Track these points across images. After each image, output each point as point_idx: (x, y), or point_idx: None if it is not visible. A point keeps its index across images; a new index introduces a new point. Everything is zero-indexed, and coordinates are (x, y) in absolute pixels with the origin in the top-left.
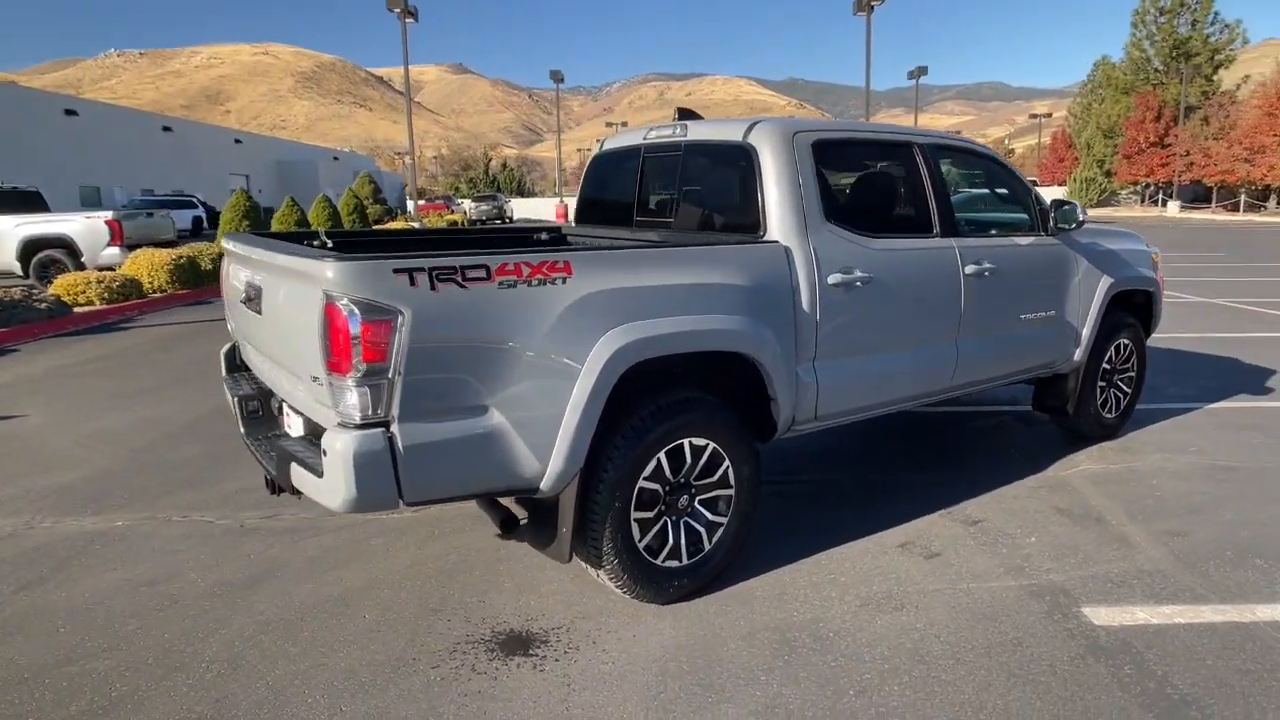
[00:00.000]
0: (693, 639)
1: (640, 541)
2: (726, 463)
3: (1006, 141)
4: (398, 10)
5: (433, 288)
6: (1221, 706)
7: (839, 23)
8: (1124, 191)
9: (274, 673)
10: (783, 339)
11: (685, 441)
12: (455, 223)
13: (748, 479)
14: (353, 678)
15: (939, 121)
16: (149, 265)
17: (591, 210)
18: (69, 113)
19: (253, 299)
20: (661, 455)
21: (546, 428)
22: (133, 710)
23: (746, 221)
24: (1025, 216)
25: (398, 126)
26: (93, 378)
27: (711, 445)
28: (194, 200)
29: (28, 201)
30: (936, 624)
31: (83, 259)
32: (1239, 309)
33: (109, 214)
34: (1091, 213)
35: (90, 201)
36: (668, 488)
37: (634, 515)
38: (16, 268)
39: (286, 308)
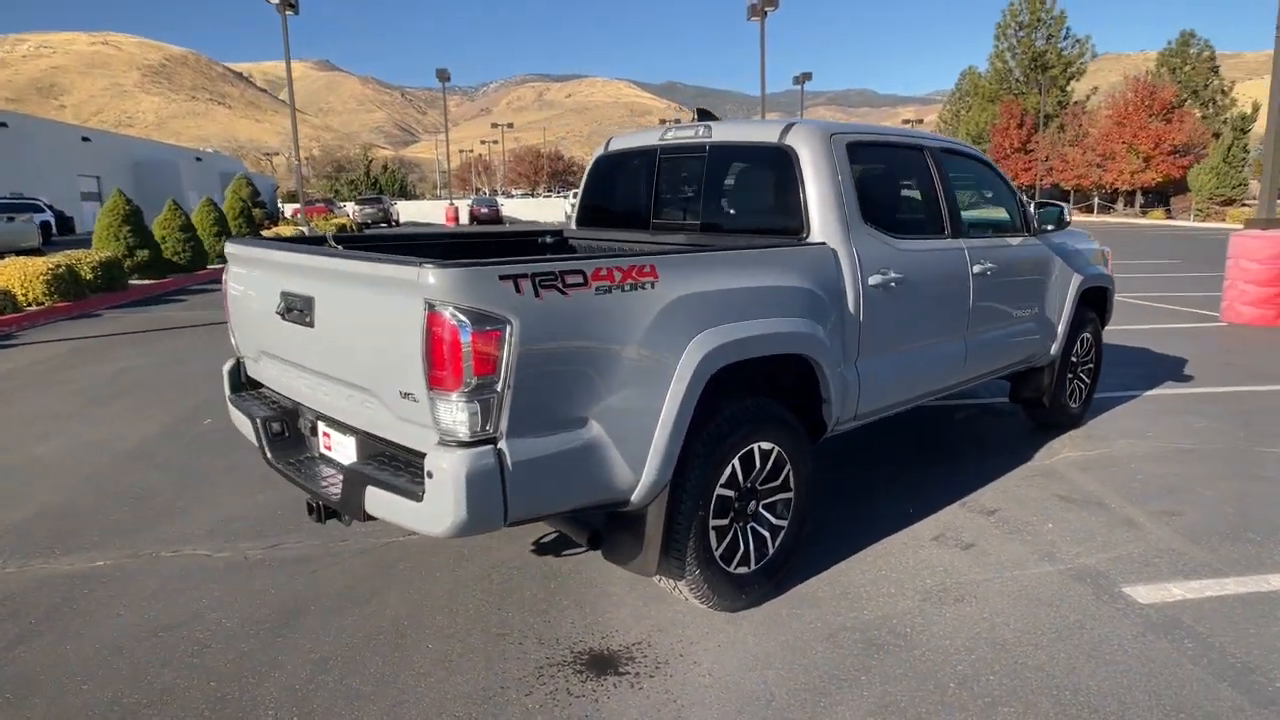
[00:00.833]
0: (778, 645)
1: (717, 550)
2: (789, 466)
3: None
4: (276, 2)
5: (537, 295)
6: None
7: (717, 28)
8: None
9: (353, 714)
10: (834, 340)
11: (755, 446)
12: (344, 226)
13: (806, 481)
14: (445, 712)
15: None
16: (21, 276)
17: (596, 213)
18: None
19: (298, 310)
20: (736, 461)
21: (641, 437)
22: None
23: (790, 224)
24: (1012, 217)
25: (261, 125)
26: None
27: (776, 449)
28: (39, 204)
29: None
30: (1001, 613)
31: None
32: (1129, 303)
33: None
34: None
35: None
36: (738, 493)
37: (712, 523)
38: None
39: (357, 319)
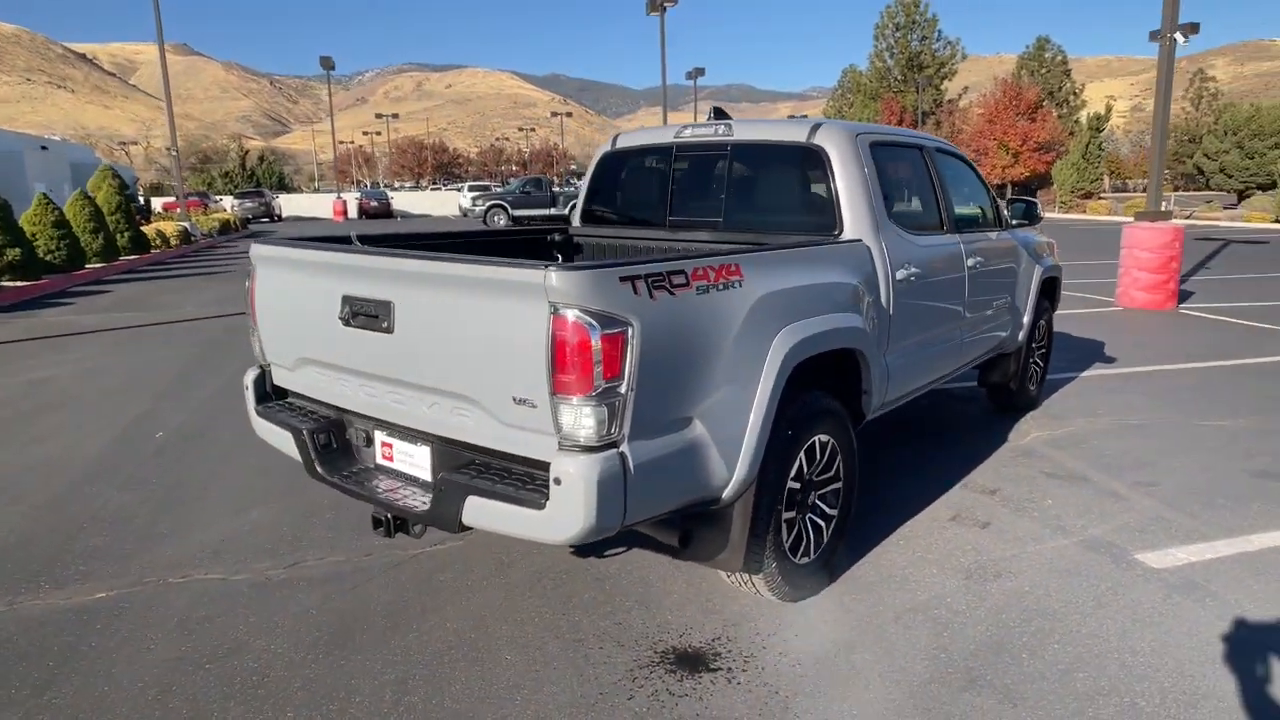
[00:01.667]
0: (854, 631)
1: (786, 542)
2: (840, 457)
3: None
4: None
5: (651, 296)
6: None
7: (599, 22)
8: None
9: None
10: (873, 333)
11: (816, 439)
12: (226, 222)
13: (853, 471)
14: None
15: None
16: None
17: (604, 210)
18: None
19: (370, 315)
20: (802, 454)
21: (735, 434)
22: None
23: (822, 222)
24: (986, 212)
25: (111, 112)
26: None
27: (831, 441)
28: None
29: None
30: (1039, 585)
31: None
32: None
33: None
34: None
35: None
36: (801, 486)
37: (784, 516)
38: None
39: (453, 324)
